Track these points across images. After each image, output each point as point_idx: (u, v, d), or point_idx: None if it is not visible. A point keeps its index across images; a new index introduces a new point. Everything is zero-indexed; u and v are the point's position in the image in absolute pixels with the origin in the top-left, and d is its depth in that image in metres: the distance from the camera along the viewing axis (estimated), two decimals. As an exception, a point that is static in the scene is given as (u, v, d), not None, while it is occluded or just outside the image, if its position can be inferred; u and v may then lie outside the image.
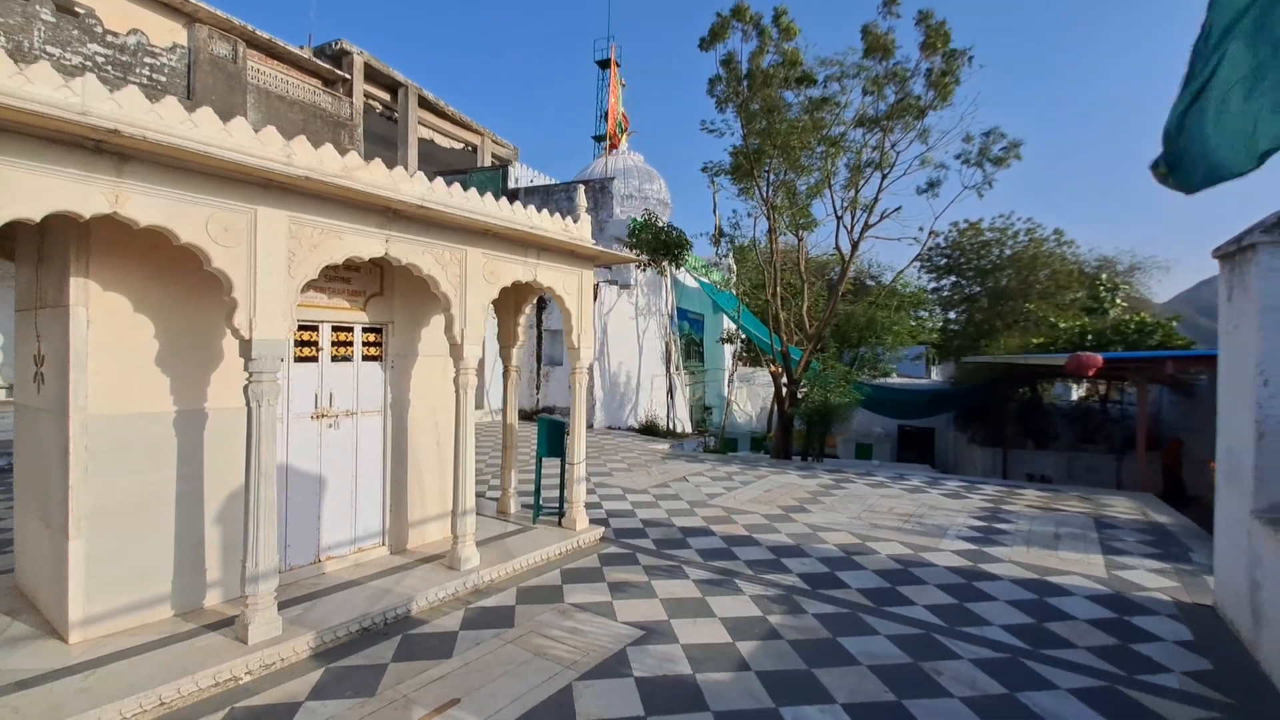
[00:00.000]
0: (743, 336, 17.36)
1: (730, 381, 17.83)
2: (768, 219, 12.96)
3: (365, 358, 4.79)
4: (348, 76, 17.96)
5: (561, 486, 5.93)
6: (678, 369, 18.35)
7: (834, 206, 13.78)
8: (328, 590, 4.21)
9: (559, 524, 5.84)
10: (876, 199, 13.21)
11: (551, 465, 8.15)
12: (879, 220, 14.02)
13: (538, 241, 5.08)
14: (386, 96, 19.67)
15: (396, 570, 4.61)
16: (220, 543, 3.93)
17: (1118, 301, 19.50)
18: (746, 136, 12.79)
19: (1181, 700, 3.30)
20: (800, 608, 4.42)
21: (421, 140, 20.72)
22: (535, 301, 6.82)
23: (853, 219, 13.54)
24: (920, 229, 13.78)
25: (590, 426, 14.53)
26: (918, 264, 35.43)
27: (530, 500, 6.42)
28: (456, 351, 4.57)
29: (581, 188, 6.21)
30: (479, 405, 15.13)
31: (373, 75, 18.64)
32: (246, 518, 3.43)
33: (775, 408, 13.11)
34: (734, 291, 17.08)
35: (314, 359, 4.46)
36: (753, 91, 12.61)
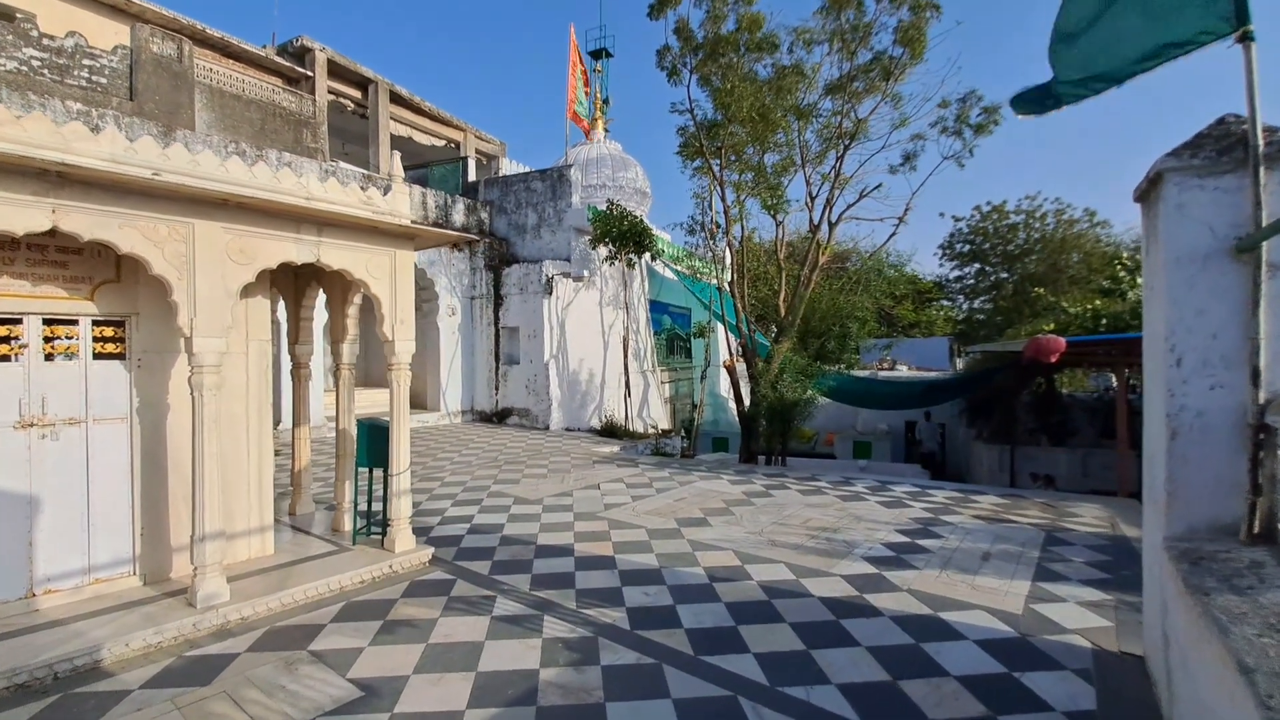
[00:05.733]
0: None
1: (706, 378, 16.76)
2: (722, 200, 11.94)
3: (99, 355, 4.06)
4: (310, 74, 17.55)
5: (385, 501, 5.14)
6: (652, 367, 17.40)
7: (806, 186, 12.70)
8: (19, 632, 3.50)
9: (383, 545, 5.05)
10: (841, 175, 12.07)
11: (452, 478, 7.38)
12: (858, 199, 12.90)
13: (316, 215, 4.29)
14: (357, 94, 19.23)
15: (127, 606, 3.87)
16: None
17: (1139, 282, 17.75)
18: (692, 112, 11.82)
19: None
20: (595, 657, 3.53)
21: (399, 138, 20.26)
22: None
23: (829, 199, 12.43)
24: (907, 209, 12.47)
25: (546, 428, 13.74)
26: (939, 251, 33.91)
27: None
28: (188, 345, 3.81)
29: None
30: (430, 407, 14.49)
31: (339, 72, 18.20)
32: None
33: (737, 408, 12.09)
34: (713, 282, 16.07)
35: (9, 358, 3.76)
36: (708, 58, 11.62)
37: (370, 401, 12.40)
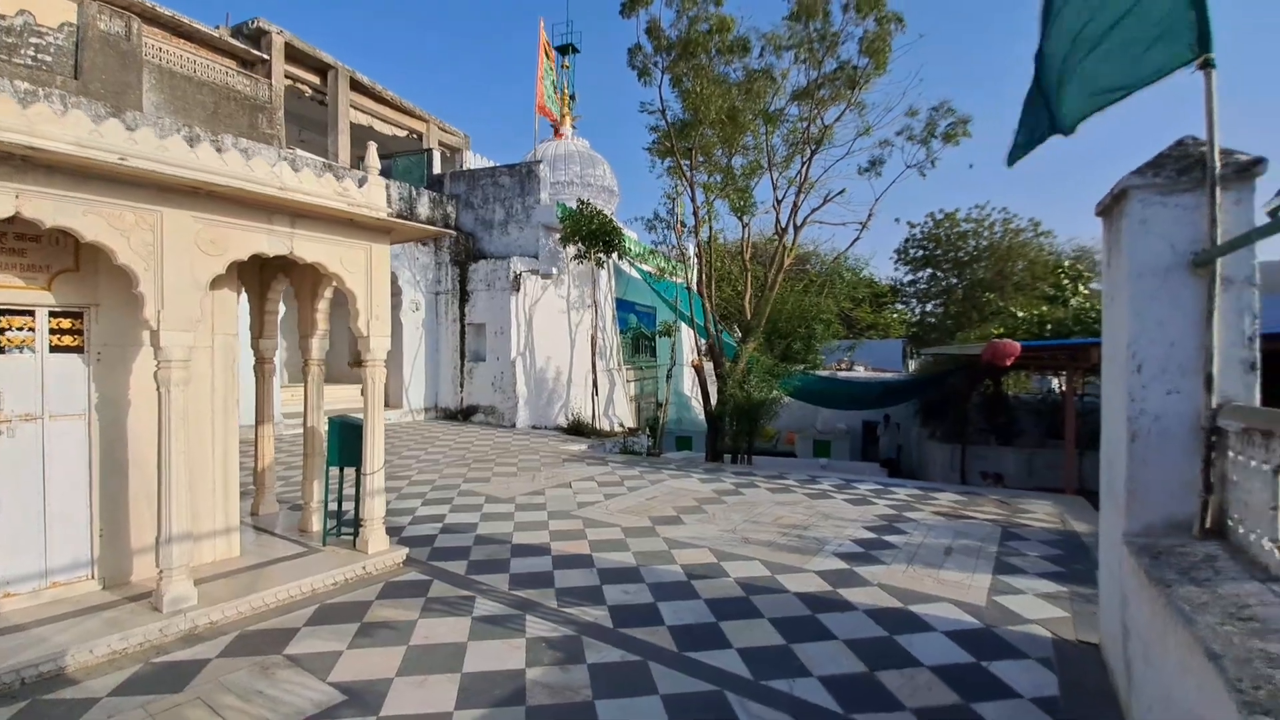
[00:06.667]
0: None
1: (671, 376, 16.89)
2: (692, 200, 12.04)
3: (57, 348, 3.85)
4: (266, 57, 16.88)
5: (357, 500, 5.02)
6: (618, 365, 17.43)
7: (773, 188, 12.92)
8: (-30, 642, 3.30)
9: (355, 546, 4.93)
10: (809, 181, 12.33)
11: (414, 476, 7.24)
12: (822, 203, 13.18)
13: (290, 206, 4.16)
14: (316, 80, 18.59)
15: (89, 611, 3.68)
16: None
17: (1080, 290, 18.71)
18: (665, 112, 11.88)
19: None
20: (581, 656, 3.54)
21: (360, 126, 19.69)
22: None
23: (794, 203, 12.67)
24: (870, 215, 12.82)
25: (512, 426, 13.61)
26: (894, 256, 34.94)
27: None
28: (154, 339, 3.64)
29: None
30: (393, 404, 14.16)
31: (297, 56, 17.57)
32: None
33: (704, 407, 12.22)
34: (678, 280, 16.17)
35: (-45, 349, 3.53)
36: (679, 59, 11.69)
37: (333, 398, 12.03)
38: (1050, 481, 14.16)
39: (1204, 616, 2.09)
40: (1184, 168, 2.95)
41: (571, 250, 13.90)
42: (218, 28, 16.54)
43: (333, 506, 5.20)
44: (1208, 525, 2.84)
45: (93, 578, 4.00)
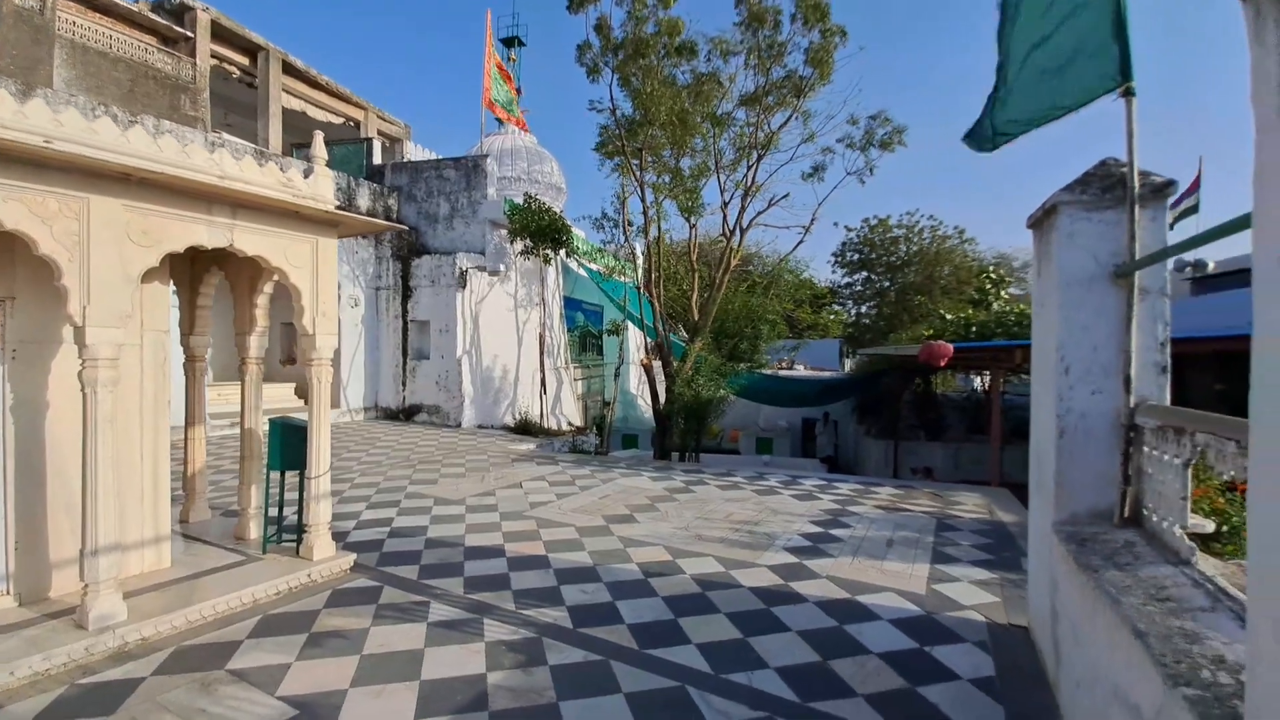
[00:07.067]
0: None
1: (619, 375, 16.94)
2: (641, 200, 12.12)
3: (-39, 345, 3.53)
4: (190, 35, 15.86)
5: (300, 505, 4.82)
6: (566, 364, 17.34)
7: (720, 191, 13.14)
8: None
9: (298, 553, 4.73)
10: (756, 184, 12.62)
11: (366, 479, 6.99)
12: (767, 206, 13.50)
13: (231, 196, 3.95)
14: (245, 61, 17.58)
15: (6, 630, 3.38)
16: None
17: (1002, 295, 19.93)
18: (615, 111, 11.90)
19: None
20: (542, 658, 3.52)
21: (292, 112, 18.76)
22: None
23: (741, 205, 12.93)
24: (814, 219, 13.22)
25: (458, 425, 13.32)
26: (832, 259, 36.21)
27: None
28: (79, 336, 3.39)
29: (317, 141, 5.09)
30: (330, 403, 13.62)
31: (225, 35, 16.59)
32: None
33: (653, 405, 12.32)
34: (626, 280, 16.22)
35: None
36: (628, 59, 11.72)
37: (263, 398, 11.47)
38: (974, 474, 15.02)
39: (1129, 598, 2.29)
40: (1107, 186, 3.21)
41: (519, 246, 13.72)
42: (138, 2, 15.43)
43: (273, 512, 4.96)
44: (1126, 514, 3.12)
45: (8, 594, 3.68)
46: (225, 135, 15.18)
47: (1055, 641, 3.24)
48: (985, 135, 3.96)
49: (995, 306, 18.98)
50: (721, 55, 12.56)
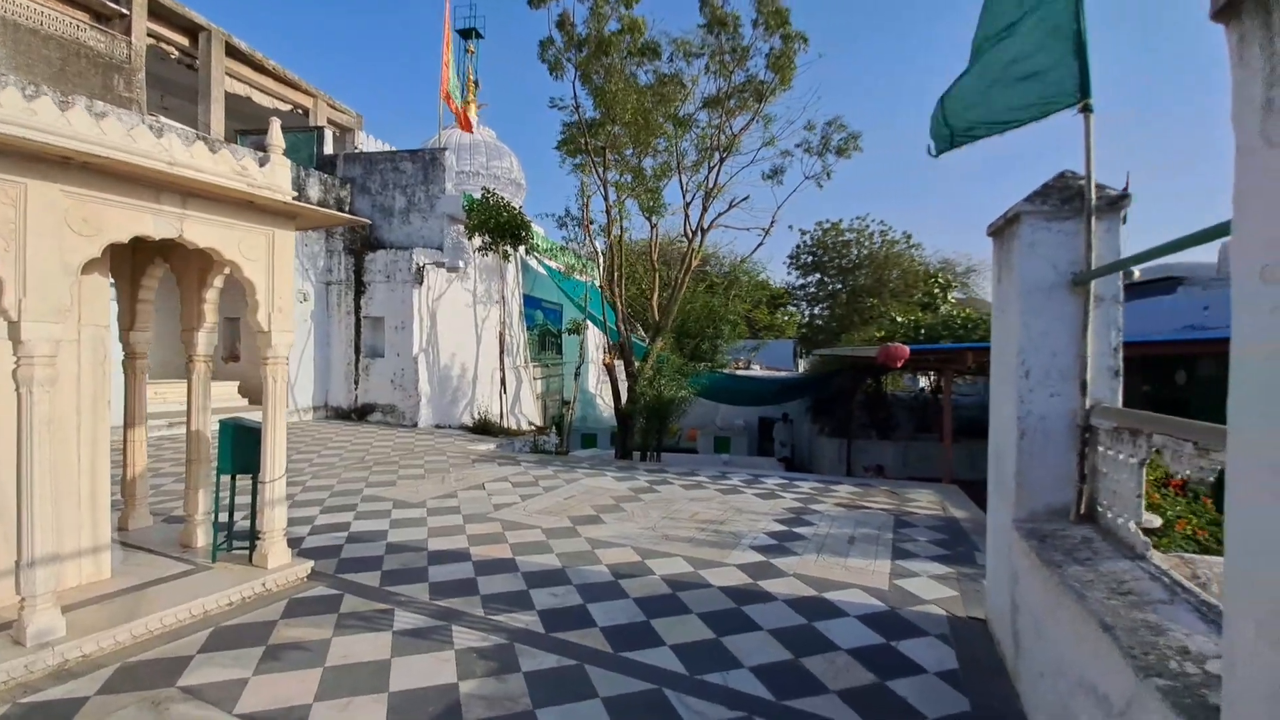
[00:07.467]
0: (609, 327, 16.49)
1: (579, 375, 16.86)
2: (604, 199, 12.08)
3: (-128, 341, 3.21)
4: (125, 12, 14.95)
5: (252, 511, 4.60)
6: (525, 362, 17.13)
7: (682, 192, 13.21)
8: None
9: (251, 561, 4.51)
10: (719, 186, 12.75)
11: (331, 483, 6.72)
12: (728, 208, 13.65)
13: (180, 184, 3.72)
14: (184, 41, 16.69)
15: (-80, 654, 3.11)
16: None
17: (949, 299, 20.73)
18: (578, 109, 11.82)
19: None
20: (516, 664, 3.46)
21: (236, 96, 17.90)
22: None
23: (703, 206, 13.02)
24: (773, 222, 13.44)
25: (414, 425, 12.99)
26: (787, 261, 36.93)
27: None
28: (14, 332, 3.13)
29: (278, 125, 4.88)
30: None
31: (163, 14, 15.70)
32: None
33: (615, 405, 12.30)
34: (587, 279, 16.13)
35: None
36: (591, 57, 11.65)
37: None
38: (923, 471, 15.57)
39: (1093, 592, 2.40)
40: (1066, 198, 3.36)
41: (478, 242, 13.46)
42: (66, -26, 14.43)
43: (223, 518, 4.72)
44: (1082, 511, 3.27)
45: (-77, 612, 3.38)
46: (163, 119, 14.38)
47: (1015, 634, 3.38)
48: (943, 136, 4.11)
49: (943, 310, 19.72)
50: (684, 57, 12.64)
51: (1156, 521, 3.30)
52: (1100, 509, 3.15)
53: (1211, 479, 2.15)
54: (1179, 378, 12.38)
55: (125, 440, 5.20)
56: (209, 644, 3.57)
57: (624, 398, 12.07)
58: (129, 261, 5.02)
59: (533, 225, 14.32)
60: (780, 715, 3.05)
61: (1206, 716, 1.55)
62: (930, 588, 4.75)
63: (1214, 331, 11.27)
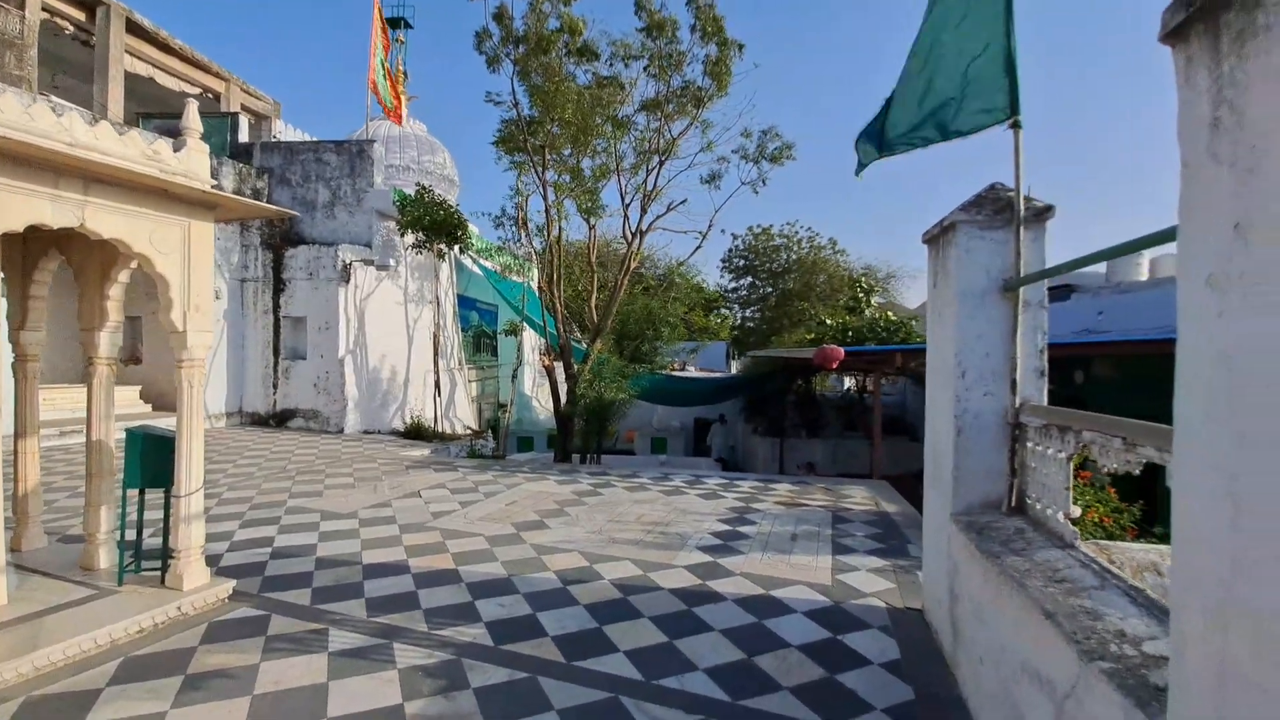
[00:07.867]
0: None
1: (517, 377, 16.55)
2: (543, 198, 11.91)
3: None
4: (17, -18, 13.48)
5: (165, 528, 4.22)
6: (459, 364, 16.65)
7: (620, 194, 13.21)
8: None
9: (164, 582, 4.13)
10: (658, 189, 12.83)
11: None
12: (666, 211, 13.75)
13: (83, 168, 3.36)
14: (81, 16, 15.22)
15: None
16: None
17: (873, 302, 21.72)
18: (517, 105, 11.61)
19: (872, 760, 2.74)
20: (465, 680, 3.32)
21: (138, 77, 16.49)
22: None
23: (642, 209, 13.06)
24: (710, 225, 13.66)
25: (340, 431, 12.35)
26: (720, 264, 37.69)
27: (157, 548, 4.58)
28: (-126, 332, 2.73)
29: (194, 106, 4.52)
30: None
31: (54, -16, 14.26)
32: None
33: (554, 407, 12.13)
34: (524, 280, 15.83)
35: None
36: (530, 55, 11.46)
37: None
38: (851, 467, 16.24)
39: (1031, 581, 2.54)
40: (998, 208, 3.56)
41: (410, 240, 12.96)
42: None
43: (130, 536, 4.30)
44: (1013, 504, 3.47)
45: None
46: (54, 99, 13.08)
47: (954, 622, 3.54)
48: (874, 147, 4.30)
49: (867, 313, 20.62)
50: (623, 60, 12.65)
51: (1076, 511, 3.54)
52: (1029, 501, 3.35)
53: (1138, 472, 2.31)
54: (1077, 377, 13.48)
55: (16, 451, 4.68)
56: (121, 675, 3.24)
57: (564, 400, 11.92)
58: (20, 252, 4.51)
59: (469, 224, 13.94)
60: (738, 716, 3.07)
61: (1149, 696, 1.65)
62: (870, 581, 4.92)
63: (1108, 335, 12.33)
